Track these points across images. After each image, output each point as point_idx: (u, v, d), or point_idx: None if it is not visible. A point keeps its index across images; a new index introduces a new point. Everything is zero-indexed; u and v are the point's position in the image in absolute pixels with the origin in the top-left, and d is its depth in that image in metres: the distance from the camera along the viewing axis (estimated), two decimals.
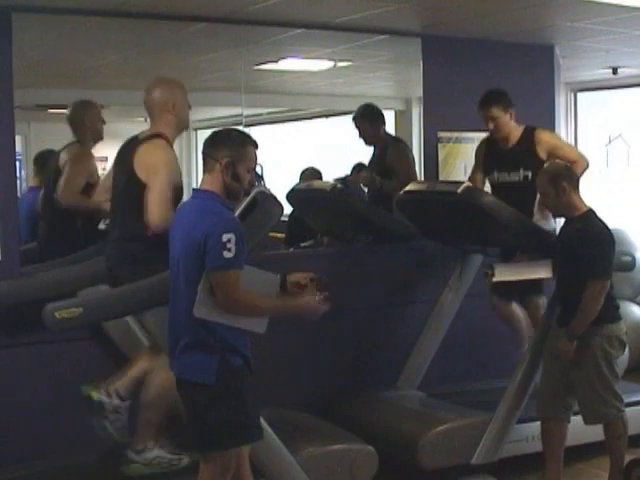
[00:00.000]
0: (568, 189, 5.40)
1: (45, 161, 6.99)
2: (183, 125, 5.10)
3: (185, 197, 4.93)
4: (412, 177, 7.01)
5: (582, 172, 5.98)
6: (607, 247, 5.39)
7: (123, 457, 5.03)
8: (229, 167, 4.20)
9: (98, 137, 6.28)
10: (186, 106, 5.07)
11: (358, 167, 8.63)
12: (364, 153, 7.68)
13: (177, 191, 4.86)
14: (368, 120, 7.32)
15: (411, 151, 7.61)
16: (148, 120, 5.06)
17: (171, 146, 4.95)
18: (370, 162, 7.62)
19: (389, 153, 7.25)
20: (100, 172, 6.47)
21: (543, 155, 6.14)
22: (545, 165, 5.95)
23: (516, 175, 6.22)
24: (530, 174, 6.13)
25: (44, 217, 6.34)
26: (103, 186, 5.58)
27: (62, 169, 6.06)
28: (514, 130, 6.27)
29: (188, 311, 4.10)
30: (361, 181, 7.63)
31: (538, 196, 5.79)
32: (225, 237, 4.00)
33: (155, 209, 4.67)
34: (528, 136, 6.24)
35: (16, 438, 5.41)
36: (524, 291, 6.39)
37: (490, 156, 6.46)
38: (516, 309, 6.53)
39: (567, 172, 5.52)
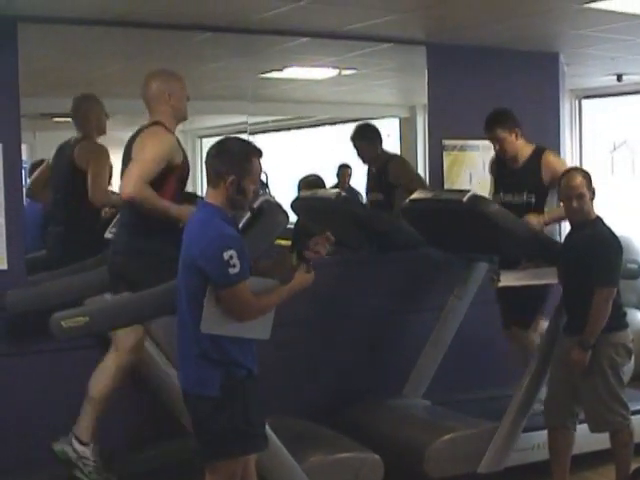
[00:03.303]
0: (594, 194, 5.42)
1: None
2: (180, 115, 5.11)
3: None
4: (420, 185, 7.00)
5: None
6: (615, 254, 5.39)
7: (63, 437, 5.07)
8: (234, 183, 4.18)
9: (102, 131, 6.25)
10: (183, 96, 5.09)
11: (343, 167, 8.70)
12: None
13: (181, 170, 4.93)
14: (366, 139, 7.33)
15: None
16: None
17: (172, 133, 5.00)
18: (368, 181, 7.64)
19: (391, 168, 7.22)
20: None
21: (546, 179, 6.03)
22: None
23: (520, 198, 6.15)
24: (533, 198, 6.09)
25: (57, 221, 6.25)
26: None
27: (79, 165, 6.02)
28: (522, 150, 6.18)
29: (191, 325, 4.12)
30: None
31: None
32: (226, 255, 4.00)
33: (128, 177, 4.68)
34: (536, 158, 6.15)
35: (21, 445, 5.42)
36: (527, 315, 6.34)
37: (499, 176, 6.43)
38: (531, 337, 6.45)
39: (591, 177, 5.51)
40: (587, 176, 5.47)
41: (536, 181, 6.09)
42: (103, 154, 6.14)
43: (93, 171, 6.00)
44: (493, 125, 6.14)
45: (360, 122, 7.66)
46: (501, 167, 6.38)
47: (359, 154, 7.39)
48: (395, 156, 7.64)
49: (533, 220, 5.89)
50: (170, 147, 4.91)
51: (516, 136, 6.14)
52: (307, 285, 4.41)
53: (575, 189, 5.41)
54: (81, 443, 5.04)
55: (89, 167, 5.99)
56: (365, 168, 7.67)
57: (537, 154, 6.16)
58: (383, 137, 7.48)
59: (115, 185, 6.27)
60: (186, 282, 4.17)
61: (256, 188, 4.36)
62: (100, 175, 6.01)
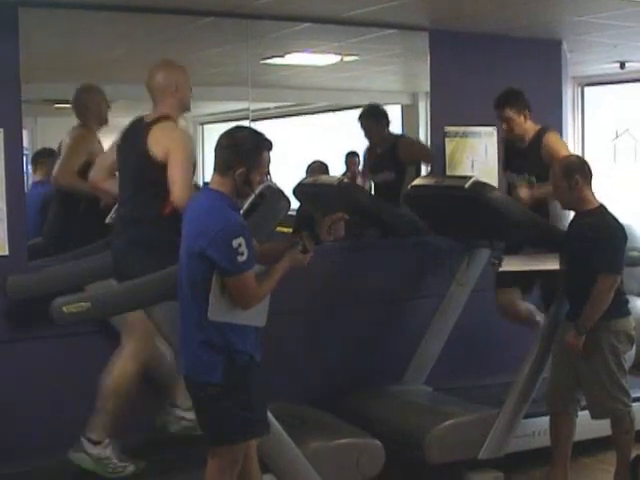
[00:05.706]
0: (581, 183, 5.38)
1: (43, 159, 7.03)
2: (185, 107, 5.12)
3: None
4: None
5: None
6: (619, 241, 5.38)
7: (76, 442, 5.01)
8: (243, 175, 4.19)
9: (103, 121, 6.25)
10: (188, 88, 5.09)
11: (351, 155, 8.67)
12: None
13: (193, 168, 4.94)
14: (374, 118, 7.35)
15: None
16: None
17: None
18: (370, 162, 7.65)
19: (401, 147, 7.26)
20: None
21: (546, 160, 6.01)
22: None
23: (522, 178, 6.18)
24: (535, 179, 6.10)
25: (52, 209, 6.31)
26: (101, 165, 5.46)
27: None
28: (529, 131, 6.21)
29: (196, 312, 4.13)
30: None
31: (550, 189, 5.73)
32: (235, 243, 4.02)
33: (179, 185, 4.66)
34: (538, 139, 6.17)
35: (22, 430, 5.42)
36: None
37: (507, 155, 6.50)
38: (524, 304, 6.48)
39: (581, 166, 5.49)
40: (570, 165, 5.49)
41: (538, 161, 6.09)
42: (83, 139, 6.14)
43: (65, 153, 6.08)
44: (503, 104, 6.18)
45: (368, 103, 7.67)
46: (509, 146, 6.43)
47: (366, 134, 7.42)
48: (403, 135, 7.76)
49: (523, 191, 5.95)
50: (190, 145, 4.96)
51: (524, 118, 6.16)
52: (300, 265, 4.40)
53: (551, 179, 5.54)
54: (93, 443, 4.99)
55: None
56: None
57: (540, 135, 6.18)
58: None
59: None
60: (190, 270, 4.16)
61: (262, 179, 4.38)
62: (71, 158, 6.04)
